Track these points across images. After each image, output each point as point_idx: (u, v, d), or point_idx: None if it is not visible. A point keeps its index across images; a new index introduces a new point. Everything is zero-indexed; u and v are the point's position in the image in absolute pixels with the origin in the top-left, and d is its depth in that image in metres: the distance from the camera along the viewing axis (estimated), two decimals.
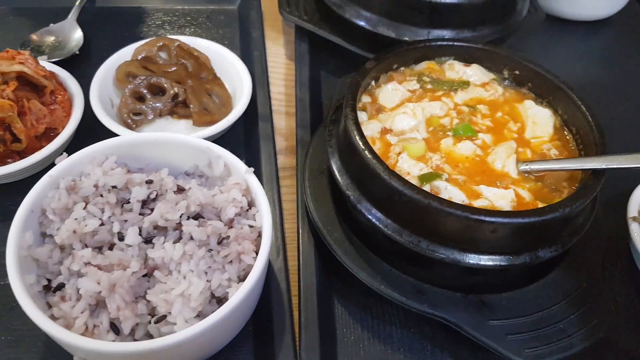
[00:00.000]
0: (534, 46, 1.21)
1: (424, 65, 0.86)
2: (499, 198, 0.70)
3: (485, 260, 0.66)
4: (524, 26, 1.11)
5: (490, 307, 0.69)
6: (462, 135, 0.76)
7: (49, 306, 0.62)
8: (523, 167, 0.73)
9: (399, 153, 0.73)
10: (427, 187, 0.69)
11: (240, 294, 0.58)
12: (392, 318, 0.74)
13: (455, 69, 0.86)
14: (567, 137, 0.80)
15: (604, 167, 0.68)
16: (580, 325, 0.67)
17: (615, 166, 0.68)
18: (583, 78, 1.15)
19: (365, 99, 0.81)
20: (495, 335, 0.66)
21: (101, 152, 0.71)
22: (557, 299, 0.70)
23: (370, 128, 0.76)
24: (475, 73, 0.86)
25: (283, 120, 1.02)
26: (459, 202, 0.66)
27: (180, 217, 0.64)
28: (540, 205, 0.70)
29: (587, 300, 0.70)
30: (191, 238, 0.63)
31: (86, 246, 0.62)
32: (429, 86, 0.84)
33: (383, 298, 0.70)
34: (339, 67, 1.07)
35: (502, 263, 0.66)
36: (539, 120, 0.81)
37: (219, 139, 0.92)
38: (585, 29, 1.26)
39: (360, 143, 0.68)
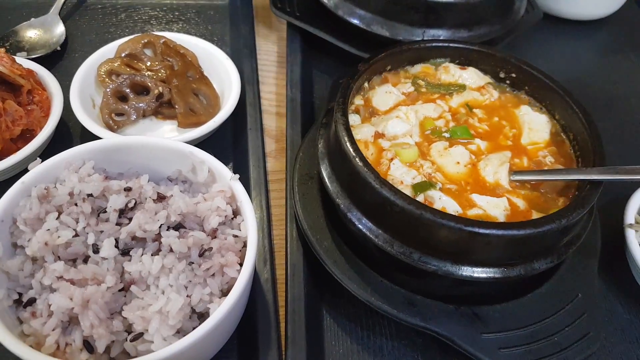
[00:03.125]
0: (531, 46, 1.18)
1: (419, 68, 0.83)
2: (493, 207, 0.68)
3: (479, 272, 0.63)
4: (522, 25, 1.08)
5: (483, 320, 0.67)
6: (458, 137, 0.73)
7: (20, 322, 0.58)
8: (515, 177, 0.71)
9: (391, 159, 0.71)
10: (420, 197, 0.66)
11: (222, 310, 0.55)
12: (382, 330, 0.72)
13: (450, 72, 0.83)
14: (565, 143, 0.78)
15: (601, 179, 0.66)
16: (576, 338, 0.66)
17: (613, 179, 0.65)
18: (580, 78, 1.13)
19: (359, 101, 0.78)
20: (488, 349, 0.64)
21: (78, 156, 0.67)
22: (551, 310, 0.68)
23: (363, 132, 0.74)
24: (470, 76, 0.83)
25: (273, 120, 0.98)
26: (453, 213, 0.63)
27: (160, 227, 0.61)
28: (535, 214, 0.68)
29: (582, 312, 0.68)
30: (171, 250, 0.60)
31: (59, 258, 0.59)
32: (424, 89, 0.81)
33: (373, 309, 0.68)
34: (332, 66, 1.04)
35: (497, 275, 0.64)
36: (535, 126, 0.79)
37: (206, 141, 0.88)
38: (583, 29, 1.24)
39: (351, 149, 0.65)
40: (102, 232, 0.60)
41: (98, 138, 0.74)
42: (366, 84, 0.80)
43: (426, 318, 0.66)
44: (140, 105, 0.86)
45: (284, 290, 0.72)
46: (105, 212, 0.61)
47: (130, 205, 0.62)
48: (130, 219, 0.62)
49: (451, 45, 0.83)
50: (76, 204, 0.61)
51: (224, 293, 0.61)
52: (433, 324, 0.65)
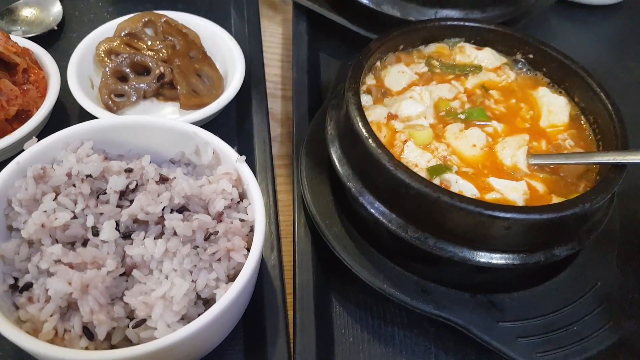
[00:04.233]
0: (544, 30, 1.15)
1: (432, 48, 0.80)
2: (511, 190, 0.65)
3: (497, 258, 0.61)
4: (535, 8, 1.05)
5: (499, 308, 0.64)
6: (474, 119, 0.70)
7: (16, 307, 0.55)
8: (534, 160, 0.68)
9: (405, 141, 0.67)
10: (436, 181, 0.63)
11: (229, 296, 0.53)
12: (394, 318, 0.69)
13: (466, 53, 0.79)
14: (584, 126, 0.75)
15: (627, 162, 0.63)
16: (595, 327, 0.63)
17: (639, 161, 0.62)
18: (595, 64, 1.08)
19: (370, 81, 0.75)
20: (505, 339, 0.62)
21: (76, 136, 0.64)
22: (570, 299, 0.66)
23: (376, 113, 0.70)
24: (486, 57, 0.79)
25: (278, 104, 0.95)
26: (471, 196, 0.60)
27: (163, 210, 0.58)
28: (555, 198, 0.65)
29: (601, 301, 0.66)
30: (175, 233, 0.57)
31: (57, 242, 0.56)
32: (438, 70, 0.77)
33: (384, 296, 0.66)
34: (340, 48, 1.00)
35: (515, 262, 0.61)
36: (553, 108, 0.75)
37: (209, 124, 0.85)
38: (597, 13, 1.21)
39: (364, 130, 0.62)
40: (101, 214, 0.57)
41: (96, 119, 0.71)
42: (378, 63, 0.76)
43: (440, 306, 0.63)
44: (141, 85, 0.82)
45: (291, 278, 0.70)
46: (105, 193, 0.58)
47: (132, 186, 0.59)
48: (131, 201, 0.59)
49: (467, 24, 0.79)
50: (74, 185, 0.58)
51: (230, 278, 0.58)
52: (447, 312, 0.63)
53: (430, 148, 0.68)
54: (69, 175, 0.59)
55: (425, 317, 0.67)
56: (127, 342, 0.55)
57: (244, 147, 0.84)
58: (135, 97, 0.82)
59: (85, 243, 0.56)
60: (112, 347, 0.55)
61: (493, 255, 0.60)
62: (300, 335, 0.63)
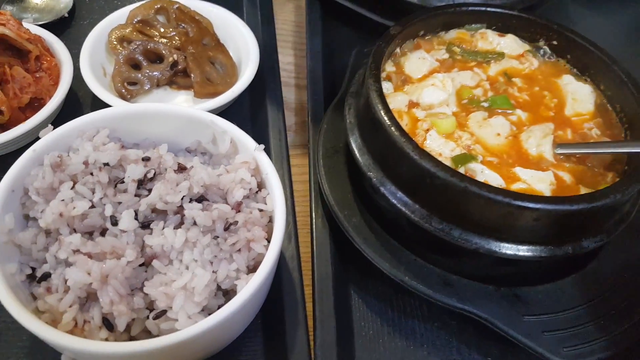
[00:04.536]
0: (562, 18, 1.12)
1: (453, 34, 0.77)
2: (538, 181, 0.63)
3: (525, 250, 0.59)
4: None
5: (524, 302, 0.63)
6: (498, 107, 0.68)
7: (34, 298, 0.54)
8: (560, 150, 0.66)
9: (427, 130, 0.66)
10: (461, 170, 0.61)
11: (251, 287, 0.51)
12: (414, 311, 0.68)
13: (488, 39, 0.77)
14: (611, 115, 0.72)
15: None
16: (623, 322, 0.62)
17: None
18: (615, 52, 1.07)
19: (390, 68, 0.73)
20: (530, 333, 0.60)
21: (92, 124, 0.63)
22: (596, 292, 0.64)
23: (397, 101, 0.69)
24: (509, 44, 0.77)
25: (292, 93, 0.93)
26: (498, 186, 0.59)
27: (182, 199, 0.56)
28: (583, 189, 0.64)
29: (629, 294, 0.64)
30: (194, 223, 0.55)
31: (75, 231, 0.55)
32: (459, 57, 0.75)
33: (404, 289, 0.64)
34: (353, 36, 0.98)
35: (543, 254, 0.59)
36: (578, 96, 0.73)
37: (222, 113, 0.83)
38: (616, 1, 1.17)
39: (386, 118, 0.61)
40: (120, 203, 0.56)
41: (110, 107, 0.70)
42: (398, 50, 0.74)
43: (464, 299, 0.62)
44: (154, 73, 0.81)
45: (309, 269, 0.68)
46: (123, 182, 0.57)
47: (150, 175, 0.58)
48: (149, 191, 0.57)
49: (489, 9, 0.77)
50: (92, 174, 0.57)
51: (250, 269, 0.57)
52: (471, 305, 0.61)
53: (453, 137, 0.66)
54: (85, 163, 0.57)
55: (446, 310, 0.65)
56: (146, 334, 0.54)
57: (259, 137, 0.81)
58: (148, 86, 0.81)
59: (103, 233, 0.55)
60: (131, 338, 0.54)
61: (520, 247, 0.59)
62: (320, 327, 0.62)
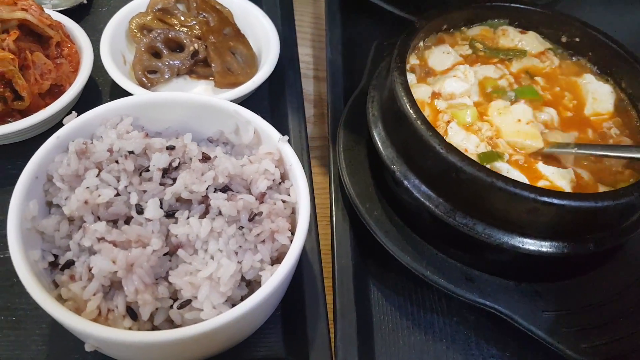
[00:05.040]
0: (581, 14, 1.11)
1: (476, 31, 0.77)
2: (559, 178, 0.63)
3: (547, 246, 0.59)
4: None
5: (544, 298, 0.63)
6: (526, 97, 0.68)
7: (56, 285, 0.54)
8: (579, 150, 0.64)
9: (448, 122, 0.65)
10: None
11: (276, 278, 0.51)
12: (433, 305, 0.68)
13: (509, 36, 0.77)
14: (631, 114, 0.72)
15: None
16: None
17: None
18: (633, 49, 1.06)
19: (414, 60, 0.73)
20: (550, 328, 0.60)
21: (115, 112, 0.62)
22: (615, 290, 0.64)
23: (420, 92, 0.68)
24: (531, 41, 0.77)
25: (311, 84, 0.93)
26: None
27: (207, 189, 0.56)
28: (601, 187, 0.64)
29: None
30: (219, 213, 0.55)
31: (99, 219, 0.55)
32: (482, 53, 0.75)
33: (423, 283, 0.64)
34: (374, 29, 0.97)
35: (566, 250, 0.59)
36: (598, 96, 0.73)
37: (241, 104, 0.82)
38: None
39: (411, 111, 0.60)
40: (145, 192, 0.56)
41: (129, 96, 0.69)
42: (421, 44, 0.74)
43: (485, 294, 0.62)
44: (175, 62, 0.80)
45: (327, 262, 0.68)
46: (148, 170, 0.57)
47: (175, 164, 0.57)
48: (173, 180, 0.57)
49: (512, 5, 0.76)
50: (117, 162, 0.57)
51: (274, 261, 0.57)
52: (492, 300, 0.62)
53: (473, 129, 0.65)
54: (110, 151, 0.57)
55: (465, 305, 0.65)
56: (169, 323, 0.54)
57: (278, 128, 0.81)
58: (168, 74, 0.80)
59: (127, 221, 0.55)
60: (154, 327, 0.54)
61: (543, 243, 0.59)
62: (341, 320, 0.62)
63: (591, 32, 0.75)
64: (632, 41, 1.07)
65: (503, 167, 0.61)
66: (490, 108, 0.68)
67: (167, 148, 0.59)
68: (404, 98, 0.61)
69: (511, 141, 0.64)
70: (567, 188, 0.62)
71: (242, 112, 0.64)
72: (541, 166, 0.64)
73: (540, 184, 0.62)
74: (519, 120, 0.66)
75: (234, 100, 0.79)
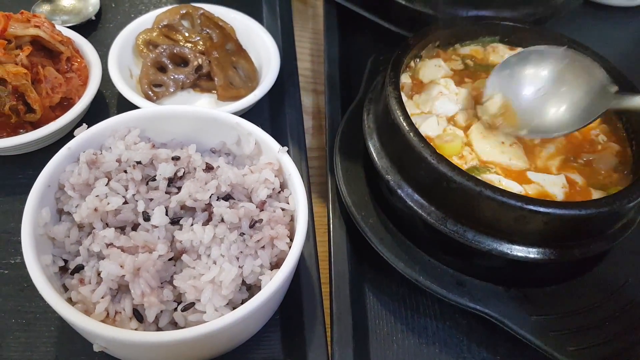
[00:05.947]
0: (570, 32, 1.14)
1: (467, 51, 0.80)
2: (550, 184, 0.66)
3: (534, 253, 0.62)
4: (563, 9, 1.05)
5: (532, 302, 0.65)
6: None
7: (66, 289, 0.57)
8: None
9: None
10: None
11: (275, 282, 0.54)
12: (426, 310, 0.70)
13: (500, 53, 0.80)
14: (616, 123, 0.75)
15: None
16: (626, 323, 0.64)
17: None
18: (621, 66, 1.09)
19: (405, 79, 0.76)
20: (538, 331, 0.63)
21: (123, 124, 0.66)
22: (601, 295, 0.67)
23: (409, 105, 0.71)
24: None
25: (309, 97, 0.96)
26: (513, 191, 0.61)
27: (210, 197, 0.59)
28: (594, 191, 0.66)
29: (633, 297, 0.66)
30: (222, 220, 0.58)
31: (107, 225, 0.58)
32: (473, 69, 0.78)
33: (417, 288, 0.67)
34: (370, 44, 1.01)
35: (552, 257, 0.62)
36: None
37: (243, 116, 0.85)
38: (623, 15, 1.20)
39: (405, 124, 0.63)
40: (151, 200, 0.59)
41: (136, 109, 0.73)
42: (412, 63, 0.77)
43: (475, 299, 0.64)
44: (180, 76, 0.84)
45: (325, 268, 0.71)
46: (154, 180, 0.60)
47: (180, 174, 0.60)
48: (178, 188, 0.60)
49: (503, 23, 0.80)
50: (125, 171, 0.60)
51: (273, 266, 0.60)
52: (483, 305, 0.64)
53: (463, 157, 0.68)
54: (119, 161, 0.60)
55: (458, 310, 0.68)
56: (173, 325, 0.56)
57: (278, 139, 0.84)
58: (173, 88, 0.84)
59: (134, 228, 0.58)
60: (159, 329, 0.56)
61: (530, 249, 0.61)
62: (337, 324, 0.64)
63: (577, 48, 0.79)
64: (621, 58, 1.11)
65: (495, 179, 0.64)
66: (472, 132, 0.70)
67: (173, 158, 0.62)
68: (398, 111, 0.65)
69: (496, 162, 0.67)
70: (560, 194, 0.65)
71: (244, 124, 0.67)
72: (531, 174, 0.67)
73: (534, 188, 0.65)
74: (502, 143, 0.69)
75: (236, 113, 0.82)
